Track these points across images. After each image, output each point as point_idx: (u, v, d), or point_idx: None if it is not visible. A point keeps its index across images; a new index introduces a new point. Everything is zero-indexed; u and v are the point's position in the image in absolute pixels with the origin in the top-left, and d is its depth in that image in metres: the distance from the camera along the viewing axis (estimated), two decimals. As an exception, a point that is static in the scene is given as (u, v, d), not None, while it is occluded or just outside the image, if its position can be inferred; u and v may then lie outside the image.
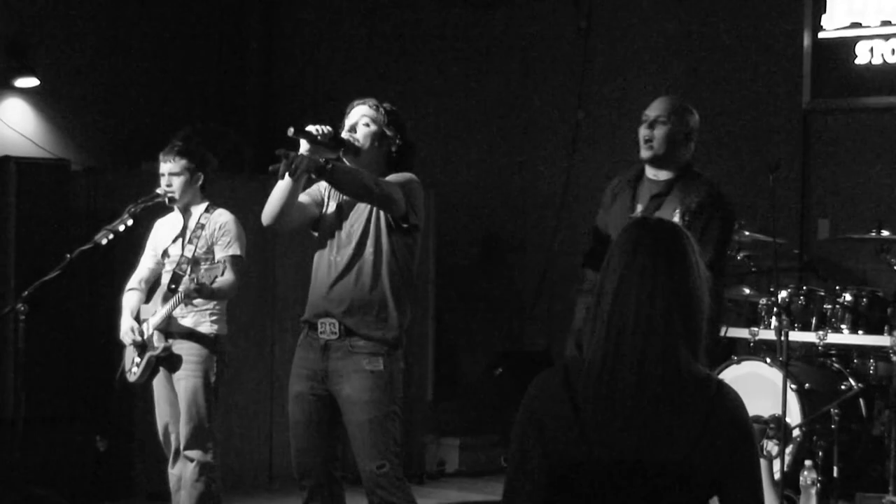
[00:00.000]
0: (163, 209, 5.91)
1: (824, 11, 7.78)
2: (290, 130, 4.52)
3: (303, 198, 4.81)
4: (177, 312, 5.68)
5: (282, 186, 4.68)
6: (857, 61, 7.69)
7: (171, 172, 5.77)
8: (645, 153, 5.09)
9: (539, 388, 2.72)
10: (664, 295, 2.65)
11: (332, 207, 4.85)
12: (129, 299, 5.85)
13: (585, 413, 2.63)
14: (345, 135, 4.79)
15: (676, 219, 4.86)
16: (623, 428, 2.62)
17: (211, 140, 8.75)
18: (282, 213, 4.72)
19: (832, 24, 7.77)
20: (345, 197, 4.82)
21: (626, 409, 2.62)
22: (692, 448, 2.62)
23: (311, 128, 4.61)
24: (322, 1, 10.02)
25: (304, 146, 4.63)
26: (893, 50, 7.59)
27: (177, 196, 5.77)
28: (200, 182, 5.81)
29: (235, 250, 5.70)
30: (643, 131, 5.10)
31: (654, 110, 5.13)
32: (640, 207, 5.05)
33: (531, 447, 2.68)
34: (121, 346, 5.88)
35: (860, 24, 7.68)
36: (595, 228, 5.27)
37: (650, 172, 5.13)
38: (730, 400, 2.69)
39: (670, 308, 2.65)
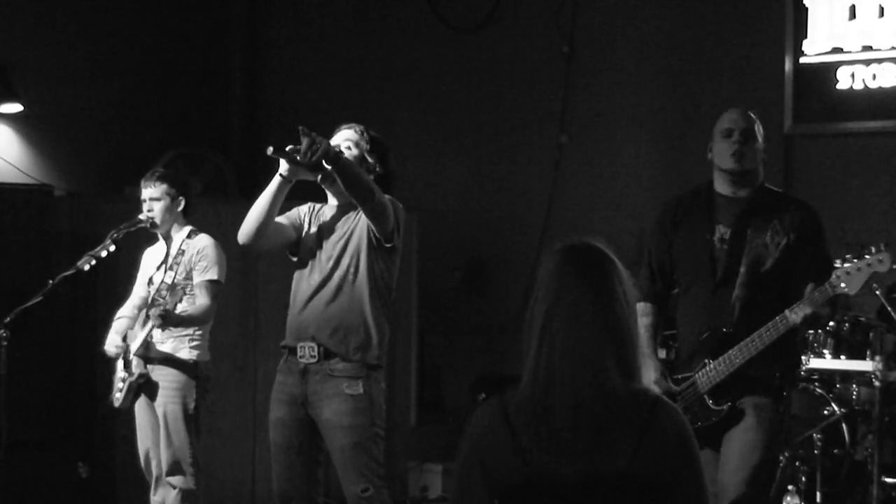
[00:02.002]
0: (150, 236, 5.91)
1: (805, 36, 7.83)
2: (269, 149, 4.48)
3: (281, 219, 4.82)
4: (156, 338, 5.67)
5: (261, 204, 4.68)
6: (838, 86, 7.72)
7: (151, 197, 5.78)
8: (734, 166, 4.66)
9: (477, 421, 2.80)
10: (590, 325, 2.70)
11: (312, 230, 4.84)
12: (119, 322, 5.84)
13: (524, 440, 2.70)
14: (334, 142, 4.77)
15: (768, 240, 4.59)
16: (561, 450, 2.68)
17: (194, 165, 8.76)
18: (259, 232, 4.71)
19: (813, 49, 7.81)
20: (326, 220, 4.83)
21: (563, 431, 2.68)
22: (631, 460, 2.67)
23: (304, 142, 4.46)
24: (305, 25, 10.03)
25: (283, 166, 4.63)
26: (874, 75, 7.64)
27: (157, 221, 5.77)
28: (181, 207, 5.82)
29: (213, 275, 5.70)
30: (733, 144, 4.66)
31: (743, 121, 4.71)
32: (722, 229, 4.67)
33: (473, 480, 2.77)
34: (104, 372, 5.86)
35: (841, 49, 7.73)
36: (652, 258, 4.84)
37: (727, 190, 4.72)
38: (666, 412, 2.74)
39: (598, 336, 2.70)
